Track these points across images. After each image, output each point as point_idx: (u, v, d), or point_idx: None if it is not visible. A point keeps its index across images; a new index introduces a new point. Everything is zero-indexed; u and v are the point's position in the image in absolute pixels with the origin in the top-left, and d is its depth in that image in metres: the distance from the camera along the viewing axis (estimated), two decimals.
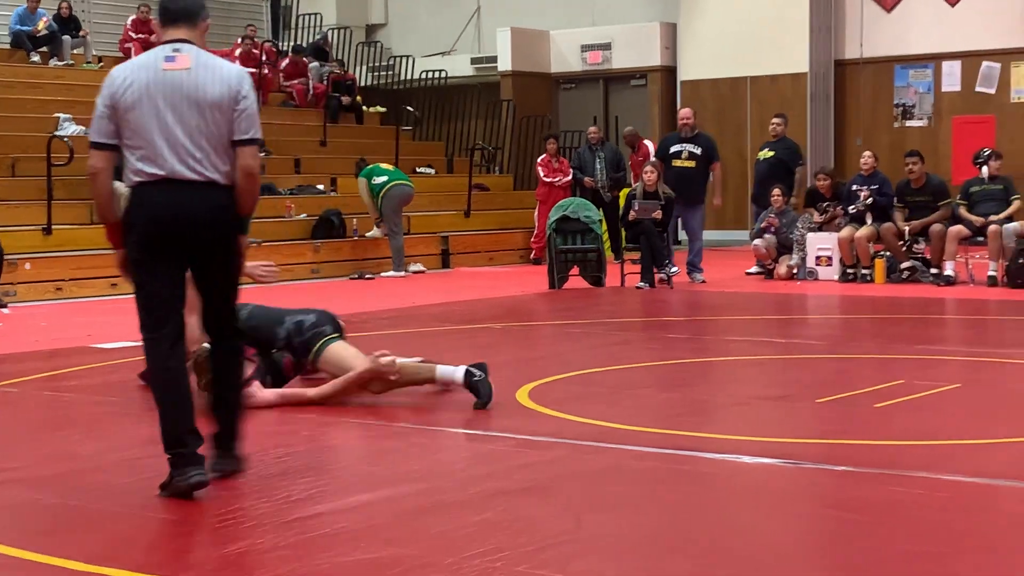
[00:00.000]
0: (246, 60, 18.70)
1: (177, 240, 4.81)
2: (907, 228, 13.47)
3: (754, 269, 14.67)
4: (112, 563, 3.91)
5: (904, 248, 13.58)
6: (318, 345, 6.69)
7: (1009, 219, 13.05)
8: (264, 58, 19.27)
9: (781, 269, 14.31)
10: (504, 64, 21.82)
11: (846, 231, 13.77)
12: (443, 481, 4.99)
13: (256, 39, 19.74)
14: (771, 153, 15.24)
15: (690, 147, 14.38)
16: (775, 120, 15.54)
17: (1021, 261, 12.61)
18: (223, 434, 4.99)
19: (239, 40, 19.50)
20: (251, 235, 15.04)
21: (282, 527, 4.32)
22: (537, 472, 5.09)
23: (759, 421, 6.27)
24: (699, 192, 14.29)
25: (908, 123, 19.67)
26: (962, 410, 6.45)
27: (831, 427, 6.04)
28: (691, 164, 14.28)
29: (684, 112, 14.88)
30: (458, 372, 6.54)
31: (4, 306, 11.76)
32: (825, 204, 14.25)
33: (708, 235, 18.09)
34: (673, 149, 14.46)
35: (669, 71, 21.43)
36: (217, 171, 4.82)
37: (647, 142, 17.95)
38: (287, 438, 5.87)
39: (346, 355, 6.68)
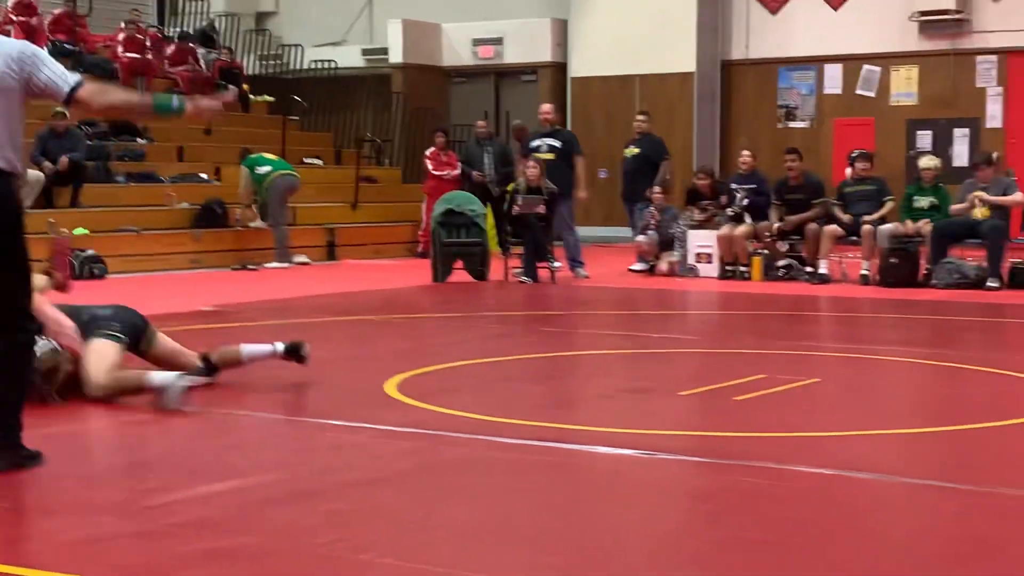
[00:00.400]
0: (130, 45, 18.40)
1: None
2: (776, 226, 13.74)
3: (638, 266, 14.82)
4: None
5: (778, 245, 13.84)
6: (92, 335, 6.36)
7: (883, 220, 13.35)
8: (149, 44, 18.95)
9: (663, 265, 14.48)
10: (395, 56, 21.75)
11: (725, 229, 13.97)
12: (298, 471, 4.97)
13: (140, 24, 19.39)
14: (636, 150, 15.48)
15: (549, 141, 14.60)
16: (639, 117, 15.85)
17: (892, 260, 12.91)
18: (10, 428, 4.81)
19: (122, 24, 19.13)
20: (130, 223, 14.68)
21: (128, 516, 4.26)
22: (395, 463, 5.09)
23: (622, 413, 6.34)
24: (561, 185, 14.26)
25: (791, 124, 20.02)
26: (819, 404, 6.60)
27: (690, 419, 6.14)
28: (551, 156, 14.45)
29: (545, 107, 15.20)
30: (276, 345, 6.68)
31: None
32: (705, 203, 14.44)
33: (592, 231, 18.34)
34: (533, 144, 14.68)
35: (560, 67, 21.55)
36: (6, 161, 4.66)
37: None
38: (144, 428, 5.80)
39: (101, 355, 6.29)
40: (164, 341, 6.66)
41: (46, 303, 6.25)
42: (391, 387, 6.76)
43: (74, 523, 4.18)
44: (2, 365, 4.79)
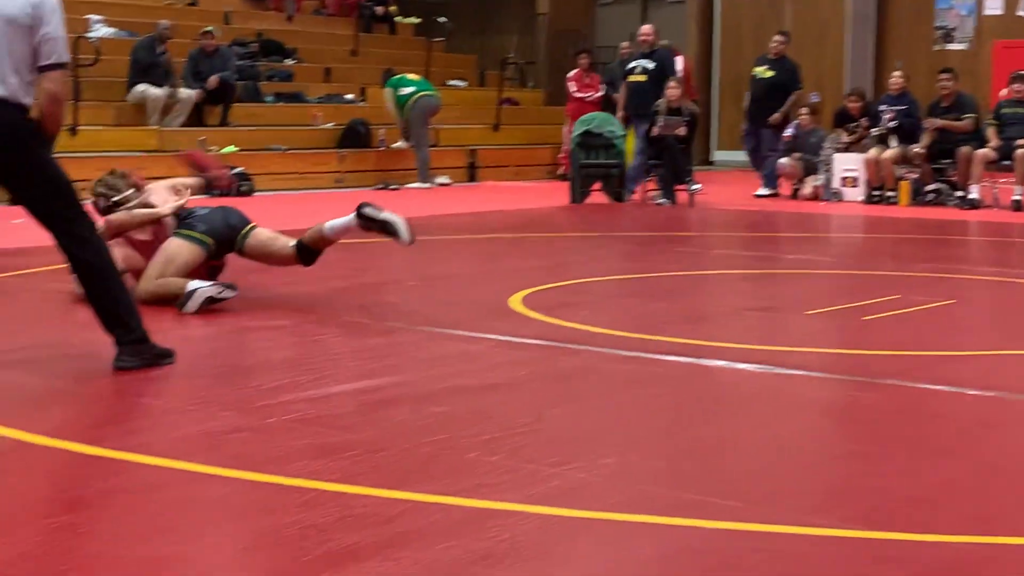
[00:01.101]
0: None
1: None
2: (929, 126, 13.27)
3: (763, 191, 14.56)
4: (76, 438, 4.01)
5: (926, 168, 13.47)
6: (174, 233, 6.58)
7: None
8: None
9: (806, 189, 14.23)
10: None
11: (872, 151, 13.64)
12: (414, 376, 5.06)
13: None
14: (771, 73, 14.80)
15: (644, 62, 14.41)
16: (777, 37, 15.13)
17: None
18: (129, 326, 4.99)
19: None
20: (277, 142, 15.01)
21: (246, 412, 4.41)
22: (509, 371, 5.15)
23: (743, 329, 6.29)
24: (649, 106, 14.08)
25: (948, 46, 19.32)
26: (950, 324, 6.45)
27: (812, 336, 6.05)
28: (643, 79, 14.28)
29: (645, 28, 14.88)
30: (350, 218, 6.50)
31: None
32: (854, 124, 14.09)
33: (722, 156, 18.14)
34: (630, 65, 14.52)
35: None
36: (7, 88, 4.76)
37: (679, 58, 17.75)
38: (273, 332, 5.96)
39: (167, 257, 6.51)
40: (258, 235, 6.75)
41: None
42: (516, 301, 6.81)
43: (195, 418, 4.34)
44: (89, 271, 4.97)
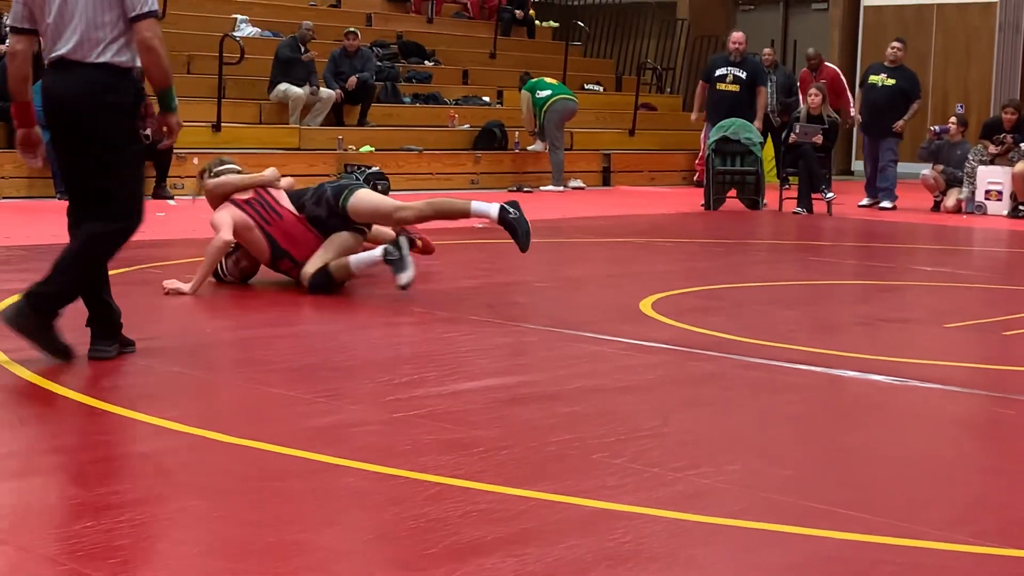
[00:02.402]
0: None
1: (62, 122, 4.84)
2: None
3: (865, 201, 14.25)
4: (209, 426, 4.10)
5: None
6: (346, 192, 6.88)
7: None
8: None
9: (949, 202, 13.90)
10: None
11: (1020, 165, 13.27)
12: (543, 375, 5.07)
13: None
14: (892, 81, 14.21)
15: (735, 71, 14.14)
16: (895, 44, 14.50)
17: None
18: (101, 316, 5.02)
19: None
20: (413, 142, 15.34)
21: (376, 406, 4.46)
22: (639, 374, 5.12)
23: (877, 341, 6.17)
24: (744, 116, 13.89)
25: None
26: None
27: (950, 350, 5.91)
28: (735, 88, 14.08)
29: (736, 35, 14.52)
30: (493, 208, 6.71)
31: (170, 197, 12.24)
32: (1001, 136, 13.70)
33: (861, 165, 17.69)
34: (718, 72, 14.22)
35: None
36: (95, 51, 4.78)
37: (830, 65, 17.47)
38: (404, 328, 6.03)
39: (376, 199, 6.98)
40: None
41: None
42: (646, 305, 6.78)
43: (325, 409, 4.41)
44: (81, 250, 4.92)
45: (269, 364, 5.14)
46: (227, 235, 6.73)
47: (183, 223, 10.28)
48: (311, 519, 3.29)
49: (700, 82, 14.82)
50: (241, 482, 3.60)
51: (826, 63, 17.55)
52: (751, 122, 13.83)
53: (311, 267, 6.76)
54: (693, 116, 15.16)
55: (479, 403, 4.57)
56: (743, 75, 14.17)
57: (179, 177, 12.72)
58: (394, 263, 6.63)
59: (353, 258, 6.82)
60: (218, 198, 7.02)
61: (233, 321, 6.21)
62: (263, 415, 4.39)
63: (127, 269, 7.34)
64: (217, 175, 7.12)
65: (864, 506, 3.41)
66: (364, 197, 6.87)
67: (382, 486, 3.58)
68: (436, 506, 3.36)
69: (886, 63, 14.40)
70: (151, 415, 4.22)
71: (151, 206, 11.52)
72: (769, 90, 16.31)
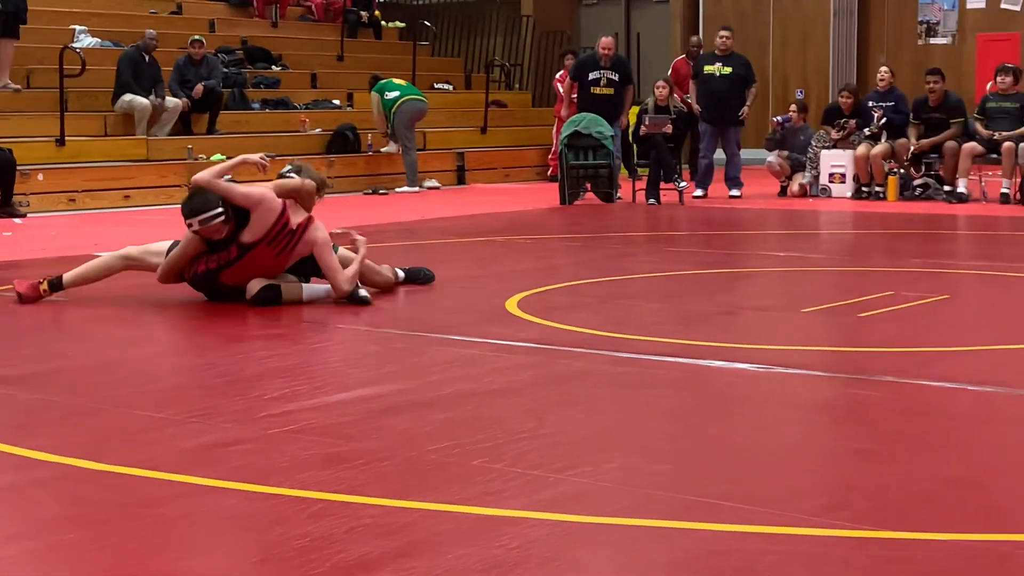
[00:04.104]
0: None
1: None
2: (912, 147, 13.39)
3: (698, 193, 14.50)
4: (78, 454, 4.00)
5: (915, 165, 13.51)
6: None
7: (1023, 138, 12.92)
8: None
9: (794, 186, 14.27)
10: None
11: (862, 148, 13.68)
12: (416, 382, 5.06)
13: None
14: (728, 69, 14.33)
15: (608, 74, 14.32)
16: (723, 33, 14.59)
17: None
18: None
19: None
20: (264, 149, 15.07)
21: (249, 423, 4.40)
22: (511, 375, 5.15)
23: (741, 329, 6.31)
24: (617, 115, 14.20)
25: (932, 40, 19.39)
26: (946, 320, 6.47)
27: (810, 335, 6.07)
28: (609, 91, 14.27)
29: (605, 41, 14.55)
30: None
31: (18, 216, 11.88)
32: (843, 120, 14.09)
33: None
34: (592, 76, 14.37)
35: None
36: None
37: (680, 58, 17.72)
38: (271, 341, 5.96)
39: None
40: None
41: None
42: (511, 305, 6.81)
43: (197, 429, 4.33)
44: None
45: (135, 386, 5.02)
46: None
47: (30, 242, 10.00)
48: (192, 545, 3.23)
49: (570, 81, 14.86)
50: (116, 511, 3.52)
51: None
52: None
53: (258, 284, 6.65)
54: (564, 112, 15.11)
55: (354, 414, 4.54)
56: (616, 77, 14.31)
57: (24, 195, 12.34)
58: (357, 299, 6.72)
59: (306, 287, 6.81)
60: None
61: (94, 343, 6.06)
62: (133, 439, 4.29)
63: None
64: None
65: (743, 497, 3.48)
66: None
67: (263, 506, 3.54)
68: (320, 523, 3.33)
69: (716, 52, 14.59)
70: (14, 446, 4.10)
71: None
72: None
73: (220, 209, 6.57)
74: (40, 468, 3.88)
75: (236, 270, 6.70)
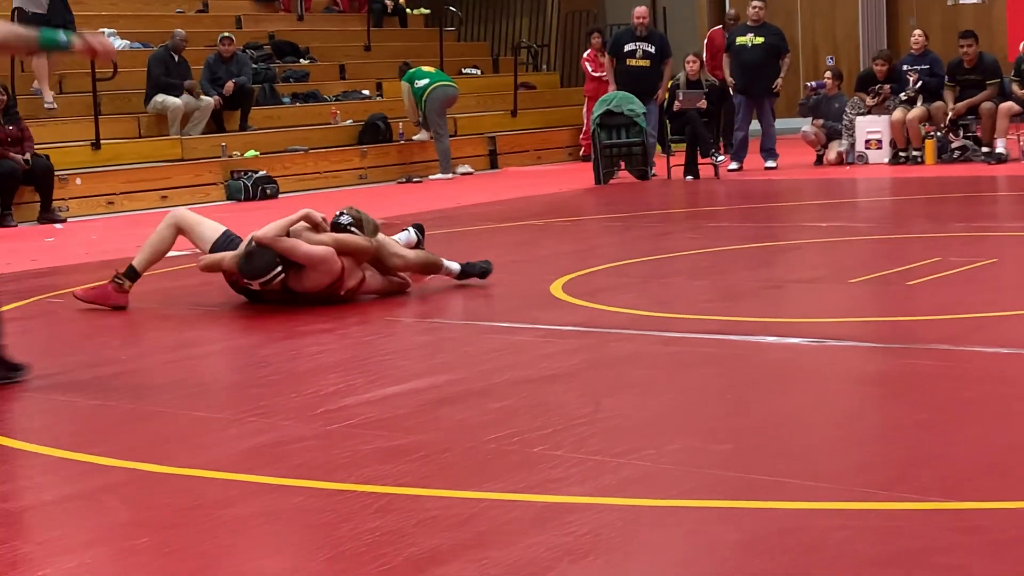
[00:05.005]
0: None
1: None
2: (951, 112, 13.28)
3: (733, 166, 14.42)
4: (143, 458, 4.04)
5: (953, 129, 13.41)
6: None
7: None
8: None
9: (831, 155, 14.19)
10: None
11: (898, 113, 13.59)
12: (469, 372, 5.07)
13: None
14: (760, 39, 14.18)
15: (644, 46, 14.28)
16: (756, 4, 14.40)
17: None
18: None
19: None
20: (297, 143, 15.13)
21: (308, 420, 4.43)
22: (562, 360, 5.15)
23: (789, 303, 6.29)
24: (654, 89, 14.14)
25: (961, 1, 19.21)
26: (996, 284, 6.43)
27: (860, 306, 6.05)
28: (645, 63, 14.23)
29: (639, 10, 14.54)
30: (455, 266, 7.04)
31: (59, 221, 11.98)
32: (877, 86, 13.99)
33: None
34: (627, 48, 14.32)
35: None
36: None
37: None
38: (321, 336, 5.98)
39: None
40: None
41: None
42: (556, 288, 6.82)
43: (257, 428, 4.36)
44: None
45: (191, 387, 5.07)
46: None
47: (73, 247, 10.08)
48: (264, 545, 3.26)
49: (608, 57, 14.82)
50: (185, 513, 3.55)
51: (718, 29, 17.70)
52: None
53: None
54: (612, 89, 15.03)
55: (410, 406, 4.56)
56: (652, 49, 14.26)
57: (63, 199, 12.44)
58: None
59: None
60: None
61: (144, 346, 6.11)
62: (195, 441, 4.33)
63: (25, 302, 7.18)
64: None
65: (807, 474, 3.48)
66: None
67: (329, 503, 3.56)
68: (387, 518, 3.35)
69: (749, 23, 14.49)
70: (80, 452, 4.14)
71: (38, 232, 11.31)
72: None
73: (280, 269, 6.51)
74: (108, 474, 3.92)
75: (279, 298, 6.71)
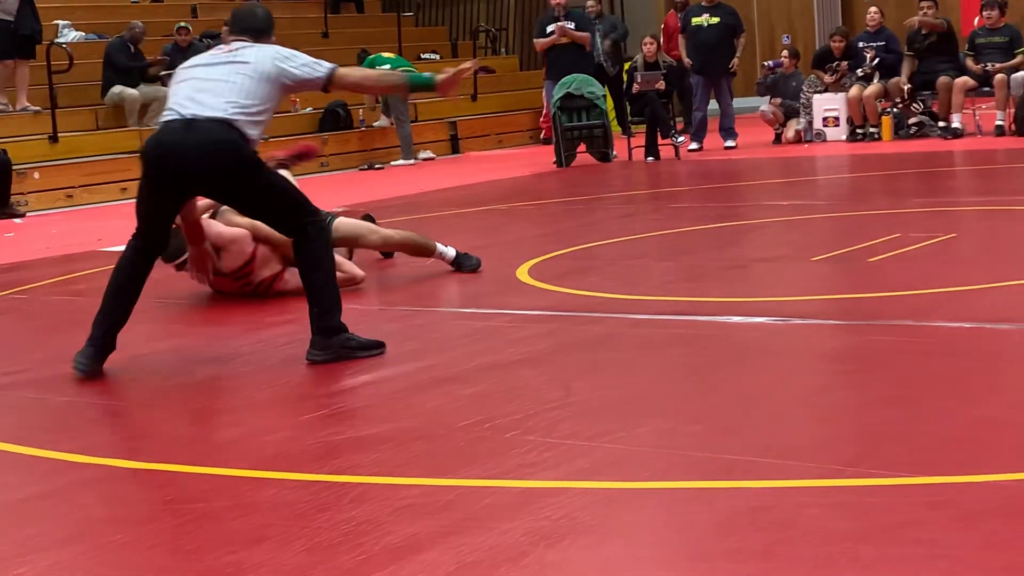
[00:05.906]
0: None
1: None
2: (907, 87, 13.37)
3: (693, 146, 14.42)
4: (115, 454, 4.04)
5: (910, 103, 13.50)
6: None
7: (1015, 69, 12.92)
8: None
9: (789, 133, 14.27)
10: None
11: (854, 90, 13.67)
12: (439, 358, 5.09)
13: None
14: (716, 19, 14.11)
15: (707, 15, 14.16)
16: None
17: None
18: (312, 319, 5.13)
19: None
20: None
21: (280, 411, 4.44)
22: (531, 345, 5.18)
23: (754, 282, 6.34)
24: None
25: None
26: (954, 259, 6.51)
27: (823, 283, 6.11)
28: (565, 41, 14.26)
29: None
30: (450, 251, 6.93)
31: (18, 216, 11.89)
32: (834, 64, 14.06)
33: None
34: (549, 29, 14.37)
35: None
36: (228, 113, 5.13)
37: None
38: (289, 327, 5.98)
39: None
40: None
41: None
42: (523, 273, 6.84)
43: (229, 421, 4.37)
44: (306, 262, 5.14)
45: (161, 381, 5.05)
46: None
47: (34, 241, 10.01)
48: (240, 537, 3.27)
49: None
50: (160, 508, 3.56)
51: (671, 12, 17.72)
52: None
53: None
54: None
55: (382, 395, 4.58)
56: (572, 26, 14.25)
57: (22, 194, 12.34)
58: None
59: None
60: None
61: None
62: (167, 435, 4.33)
63: None
64: None
65: (778, 452, 3.52)
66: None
67: (303, 494, 3.57)
68: (363, 507, 3.37)
69: (704, 3, 14.44)
70: (53, 450, 4.13)
71: None
72: (597, 40, 16.48)
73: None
74: (81, 470, 3.92)
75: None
